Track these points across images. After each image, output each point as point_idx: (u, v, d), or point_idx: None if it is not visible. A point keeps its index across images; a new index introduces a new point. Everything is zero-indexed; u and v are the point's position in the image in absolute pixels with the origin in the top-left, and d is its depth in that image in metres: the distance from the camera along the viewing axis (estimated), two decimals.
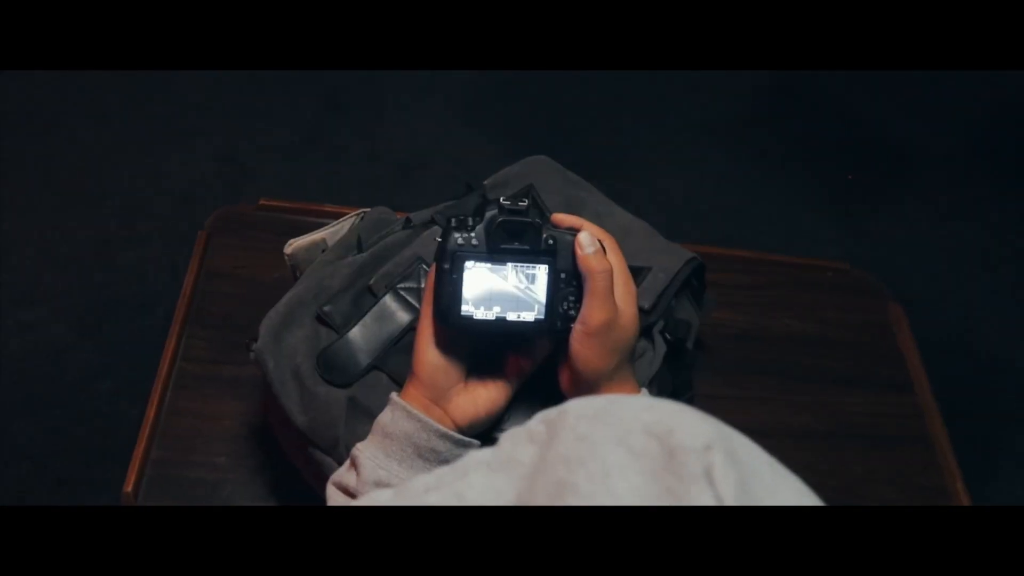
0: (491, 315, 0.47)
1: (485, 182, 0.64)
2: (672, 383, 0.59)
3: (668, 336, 0.58)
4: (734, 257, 0.82)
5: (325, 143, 1.42)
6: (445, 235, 0.47)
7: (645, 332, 0.58)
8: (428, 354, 0.47)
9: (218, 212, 0.76)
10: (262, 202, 0.77)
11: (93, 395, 1.12)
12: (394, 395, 0.48)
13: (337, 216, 0.63)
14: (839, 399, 0.74)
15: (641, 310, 0.56)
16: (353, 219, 0.63)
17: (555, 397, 0.52)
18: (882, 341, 0.78)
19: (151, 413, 0.64)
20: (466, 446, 0.48)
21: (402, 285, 0.56)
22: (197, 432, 0.64)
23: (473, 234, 0.46)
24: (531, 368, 0.50)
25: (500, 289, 0.47)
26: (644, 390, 0.51)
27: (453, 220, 0.46)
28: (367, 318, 0.54)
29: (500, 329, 0.47)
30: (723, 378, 0.73)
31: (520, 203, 0.46)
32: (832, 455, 0.71)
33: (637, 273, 0.58)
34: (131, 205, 1.31)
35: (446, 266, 0.46)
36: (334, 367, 0.53)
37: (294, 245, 0.61)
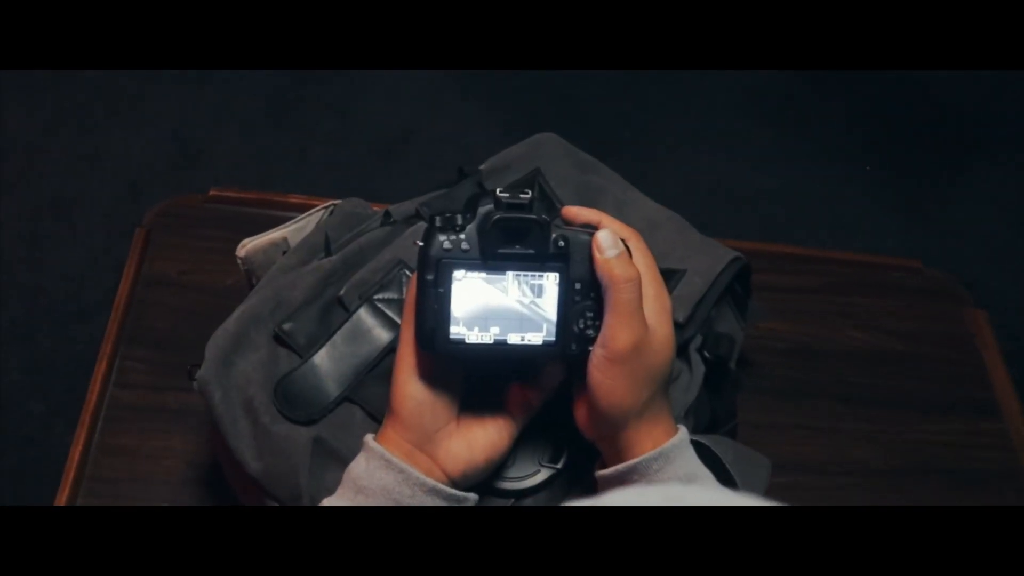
0: (488, 338, 0.44)
1: (482, 167, 0.62)
2: (712, 411, 0.58)
3: (707, 354, 0.57)
4: (781, 255, 0.80)
5: (291, 118, 1.39)
6: (428, 238, 0.44)
7: (680, 351, 0.56)
8: (409, 387, 0.45)
9: (160, 206, 0.74)
10: (213, 192, 0.75)
11: (23, 419, 1.09)
12: (369, 438, 0.46)
13: (303, 209, 0.61)
14: (912, 427, 0.72)
15: (675, 324, 0.54)
16: (321, 213, 0.61)
17: (570, 437, 0.49)
18: (962, 355, 0.76)
19: (76, 452, 0.62)
20: (460, 502, 0.46)
21: (380, 296, 0.54)
22: (132, 475, 0.62)
23: (463, 235, 0.43)
24: (540, 402, 0.48)
25: (498, 305, 0.45)
26: (682, 427, 0.48)
27: (437, 219, 0.44)
28: (337, 337, 0.52)
29: (500, 355, 0.45)
30: (770, 402, 0.71)
31: (522, 195, 0.43)
32: (904, 496, 0.69)
33: (668, 278, 0.57)
34: (65, 196, 1.28)
35: (430, 277, 0.44)
36: (296, 399, 0.51)
37: (248, 246, 0.59)
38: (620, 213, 0.61)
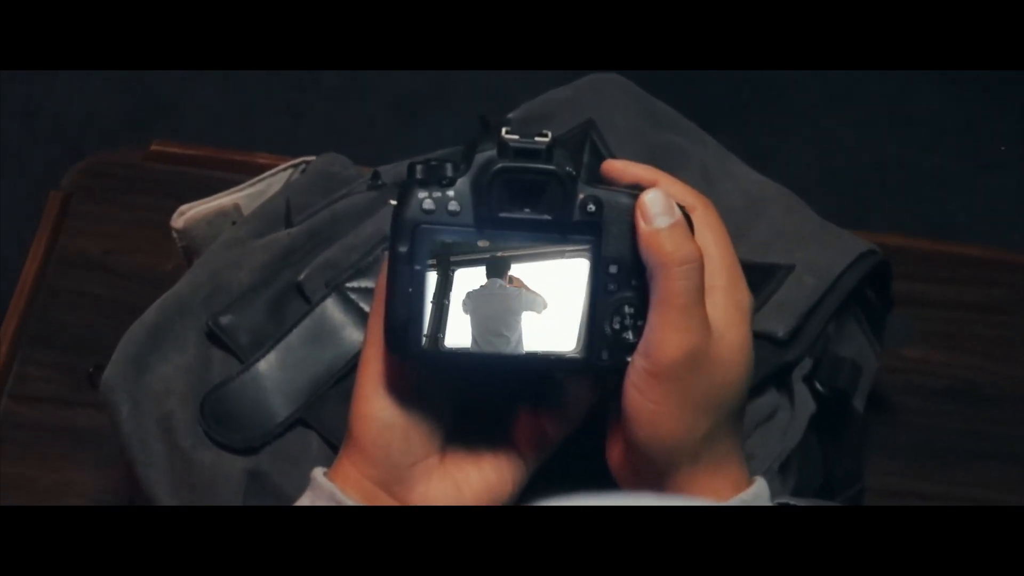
0: (483, 339, 0.45)
1: (511, 115, 0.64)
2: (826, 468, 0.58)
3: (820, 386, 0.57)
4: (944, 255, 0.79)
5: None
6: (403, 194, 0.44)
7: (777, 378, 0.56)
8: (374, 404, 0.45)
9: (85, 163, 0.77)
10: (154, 147, 0.77)
11: None
12: (318, 473, 0.47)
13: (269, 170, 0.63)
14: None
15: (771, 339, 0.55)
16: (288, 173, 0.63)
17: (602, 484, 0.47)
18: None
19: None
20: None
21: (354, 283, 0.55)
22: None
23: (452, 192, 0.44)
24: (561, 434, 0.48)
25: None
26: (760, 479, 0.47)
27: (418, 168, 0.44)
28: (292, 337, 0.53)
29: (501, 367, 0.45)
30: (916, 463, 0.70)
31: (538, 137, 0.43)
32: None
33: (767, 274, 0.57)
34: None
35: (403, 249, 0.44)
36: (230, 418, 0.52)
37: (188, 215, 0.60)
38: (708, 186, 0.61)
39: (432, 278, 0.44)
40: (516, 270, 0.45)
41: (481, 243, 0.44)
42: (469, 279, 0.44)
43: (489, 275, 0.44)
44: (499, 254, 0.44)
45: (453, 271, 0.44)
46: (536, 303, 0.44)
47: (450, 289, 0.44)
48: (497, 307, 0.44)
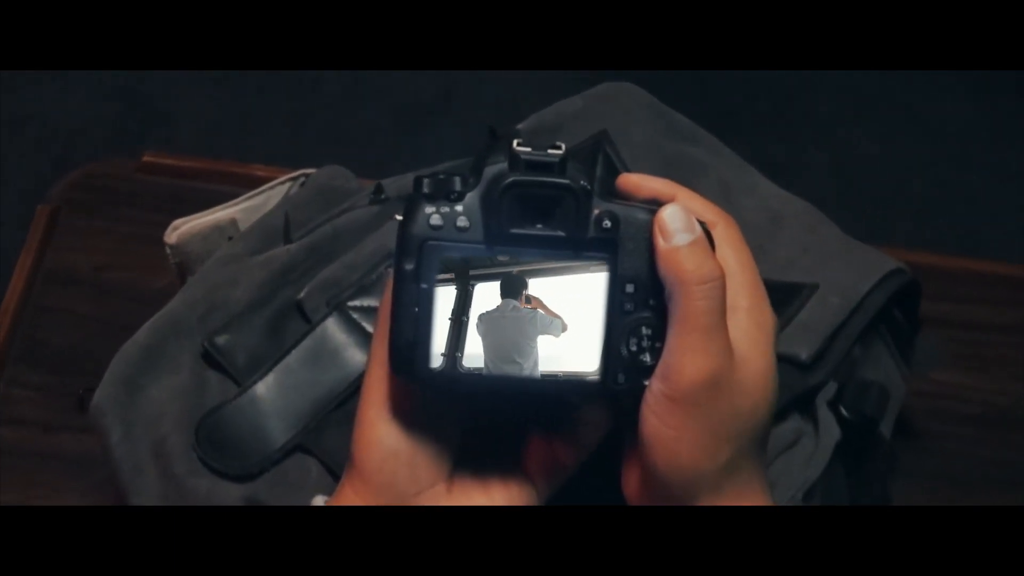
0: (495, 365, 0.44)
1: (520, 126, 0.64)
2: (851, 497, 0.58)
3: (846, 412, 0.57)
4: (976, 273, 0.79)
5: (283, 72, 1.43)
6: (410, 209, 0.44)
7: (800, 403, 0.56)
8: (378, 430, 0.46)
9: (74, 175, 0.77)
10: (146, 158, 0.78)
11: None
12: (319, 501, 0.47)
13: (267, 183, 0.64)
14: None
15: (794, 362, 0.56)
16: (287, 186, 0.64)
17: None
18: None
19: None
20: None
21: (357, 302, 0.55)
22: None
23: (461, 207, 0.44)
24: (575, 462, 0.48)
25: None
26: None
27: (425, 181, 0.44)
28: (291, 359, 0.54)
29: (512, 391, 0.45)
30: (948, 492, 0.69)
31: (551, 149, 0.43)
32: None
33: (790, 294, 0.58)
34: None
35: (409, 267, 0.44)
36: (226, 444, 0.52)
37: (182, 229, 0.61)
38: (727, 201, 0.62)
39: (441, 296, 0.44)
40: (535, 286, 0.44)
41: (500, 257, 0.44)
42: (488, 295, 0.44)
43: (503, 295, 0.44)
44: (516, 270, 0.44)
45: (473, 286, 0.44)
46: (554, 326, 0.44)
47: (469, 305, 0.44)
48: (509, 332, 0.44)
